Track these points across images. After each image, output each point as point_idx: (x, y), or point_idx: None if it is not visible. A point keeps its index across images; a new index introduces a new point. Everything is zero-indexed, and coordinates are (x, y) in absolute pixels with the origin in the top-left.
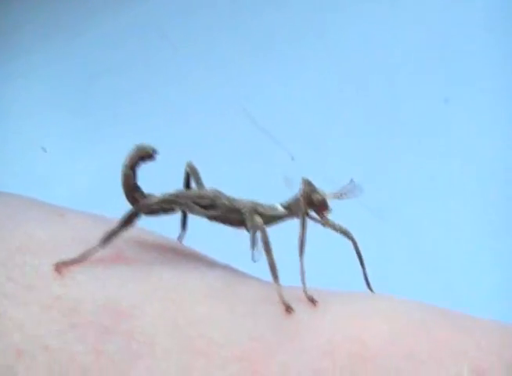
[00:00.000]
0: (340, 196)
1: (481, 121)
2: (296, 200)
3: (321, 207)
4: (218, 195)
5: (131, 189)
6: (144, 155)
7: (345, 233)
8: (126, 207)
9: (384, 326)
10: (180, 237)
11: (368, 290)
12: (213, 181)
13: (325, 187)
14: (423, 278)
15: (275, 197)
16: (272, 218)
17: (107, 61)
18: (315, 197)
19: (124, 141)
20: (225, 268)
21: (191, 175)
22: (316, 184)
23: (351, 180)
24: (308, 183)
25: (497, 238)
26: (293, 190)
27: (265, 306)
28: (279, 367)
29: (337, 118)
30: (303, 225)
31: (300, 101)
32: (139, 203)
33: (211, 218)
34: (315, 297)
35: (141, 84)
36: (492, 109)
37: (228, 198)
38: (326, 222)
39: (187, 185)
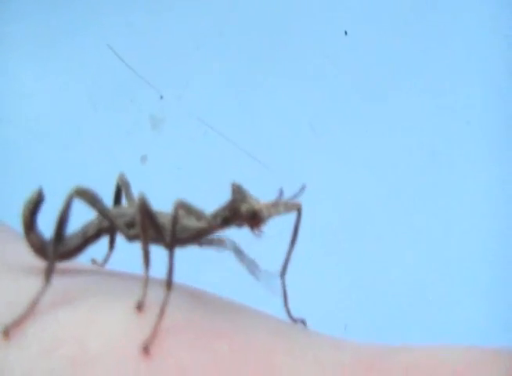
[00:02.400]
0: (280, 207)
1: (379, 51)
2: (222, 210)
3: (252, 220)
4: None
5: (39, 249)
6: (34, 206)
7: (292, 207)
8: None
9: (114, 327)
10: (106, 257)
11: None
12: (78, 119)
13: (197, 127)
14: None
15: (142, 137)
16: (196, 232)
17: None
18: (244, 208)
19: None
20: None
21: (122, 187)
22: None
23: (303, 187)
24: (237, 190)
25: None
26: (161, 132)
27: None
28: None
29: (211, 54)
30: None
31: (169, 38)
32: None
33: (132, 237)
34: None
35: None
36: (390, 39)
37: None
38: (266, 215)
39: (117, 197)
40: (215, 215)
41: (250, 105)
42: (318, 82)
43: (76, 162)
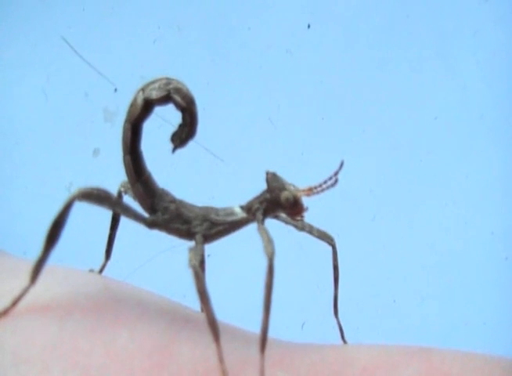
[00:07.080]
0: (317, 190)
1: (340, 44)
2: (258, 201)
3: (292, 208)
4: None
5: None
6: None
7: (324, 238)
8: None
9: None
10: (102, 267)
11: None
12: (30, 112)
13: (152, 120)
14: None
15: (95, 130)
16: (229, 226)
17: None
18: (284, 196)
19: None
20: None
21: None
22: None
23: (342, 163)
24: (273, 178)
25: None
26: (115, 125)
27: None
28: None
29: (167, 48)
30: (262, 232)
31: (125, 31)
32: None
33: (151, 225)
34: None
35: None
36: (349, 32)
37: (177, 203)
38: (300, 226)
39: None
40: (249, 207)
41: (207, 99)
42: (279, 77)
43: (28, 155)
